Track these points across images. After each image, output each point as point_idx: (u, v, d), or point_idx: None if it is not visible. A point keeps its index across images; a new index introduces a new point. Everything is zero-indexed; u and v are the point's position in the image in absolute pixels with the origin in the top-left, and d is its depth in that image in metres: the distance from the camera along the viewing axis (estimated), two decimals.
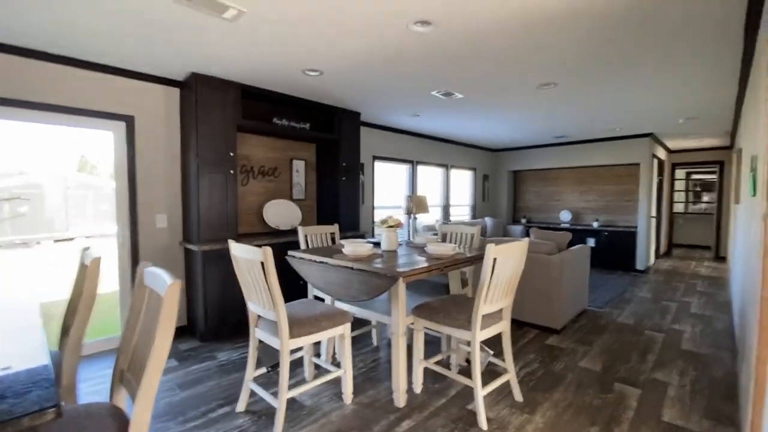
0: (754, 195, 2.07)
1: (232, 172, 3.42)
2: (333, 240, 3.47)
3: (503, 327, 2.29)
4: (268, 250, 1.85)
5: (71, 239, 4.17)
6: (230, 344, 3.21)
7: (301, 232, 3.17)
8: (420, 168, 6.34)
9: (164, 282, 1.14)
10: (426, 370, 2.66)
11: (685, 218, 9.41)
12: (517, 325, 3.68)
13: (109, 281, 3.20)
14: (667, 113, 4.68)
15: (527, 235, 7.49)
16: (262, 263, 1.88)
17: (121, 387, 1.34)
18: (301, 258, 2.58)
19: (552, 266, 3.45)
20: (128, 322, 1.38)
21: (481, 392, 2.07)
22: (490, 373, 2.66)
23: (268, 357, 2.88)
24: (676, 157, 8.39)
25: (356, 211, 4.55)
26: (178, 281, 1.11)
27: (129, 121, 3.15)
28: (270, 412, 2.19)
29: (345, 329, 2.21)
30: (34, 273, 4.31)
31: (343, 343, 2.23)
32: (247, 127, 3.63)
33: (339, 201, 4.32)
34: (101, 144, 3.15)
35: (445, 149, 6.82)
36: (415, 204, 5.20)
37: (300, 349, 2.75)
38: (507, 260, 2.09)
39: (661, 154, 7.26)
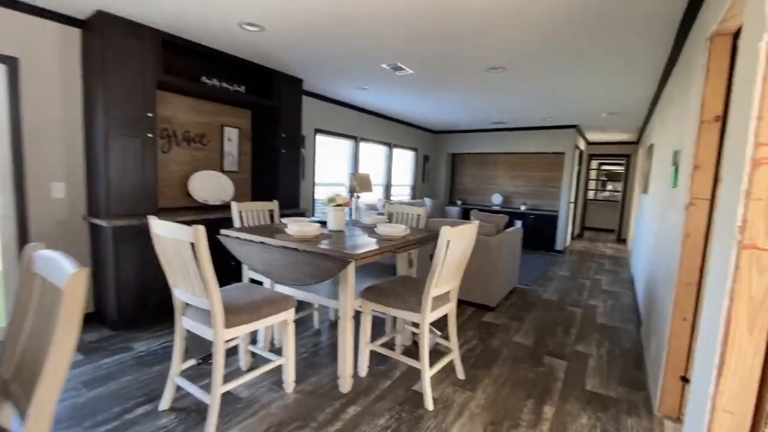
0: (675, 186, 2.28)
1: (150, 135, 2.94)
2: (272, 218, 3.20)
3: (450, 308, 2.29)
4: (201, 229, 1.59)
5: None
6: (149, 332, 2.84)
7: (235, 208, 2.86)
8: (363, 145, 6.16)
9: (64, 270, 0.88)
10: (371, 353, 2.60)
11: (595, 204, 10.54)
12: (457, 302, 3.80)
13: None
14: (594, 107, 5.05)
15: (465, 216, 7.79)
16: (193, 244, 1.62)
17: (5, 402, 1.05)
18: (237, 238, 2.31)
19: (491, 247, 3.57)
20: (12, 320, 1.07)
21: (428, 373, 2.06)
22: (435, 352, 2.70)
23: (198, 347, 2.60)
24: (592, 149, 9.26)
25: (296, 187, 4.27)
26: (84, 270, 0.86)
27: (11, 63, 2.51)
28: (200, 409, 1.97)
29: (289, 315, 2.04)
30: None
31: (286, 330, 2.06)
32: (170, 84, 3.14)
33: (278, 175, 4.00)
34: None
35: (389, 127, 6.71)
36: (359, 182, 5.05)
37: (235, 337, 2.51)
38: (459, 243, 2.07)
39: (582, 145, 7.93)
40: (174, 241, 1.70)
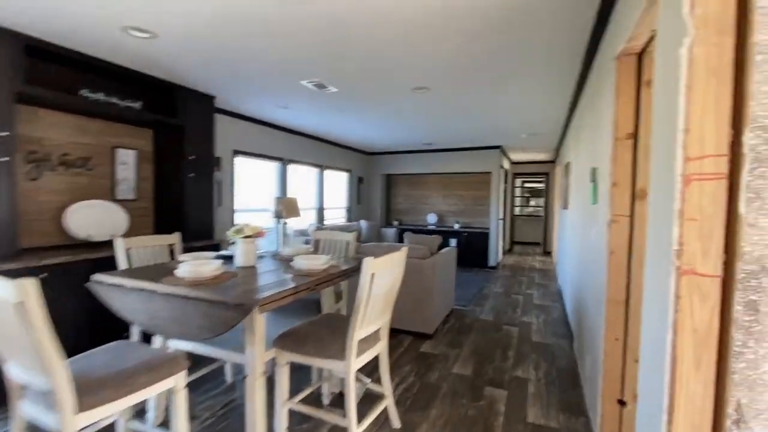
0: (595, 203, 2.30)
1: (4, 159, 2.34)
2: (172, 255, 2.72)
3: (381, 348, 2.03)
4: (31, 284, 1.16)
5: None
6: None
7: (120, 245, 2.35)
8: (292, 167, 5.80)
9: None
10: (290, 411, 2.22)
11: (521, 219, 11.16)
12: (391, 333, 3.55)
13: None
14: (514, 128, 5.28)
15: (401, 238, 7.68)
16: (20, 304, 1.17)
17: None
18: (112, 284, 1.84)
19: (425, 271, 3.41)
20: None
21: (356, 431, 1.76)
22: (366, 398, 2.39)
23: None
24: (515, 168, 9.84)
25: (209, 215, 3.78)
26: None
27: None
28: None
29: (177, 381, 1.61)
30: None
31: (176, 400, 1.63)
32: (38, 98, 2.58)
33: (184, 202, 3.50)
34: None
35: (320, 149, 6.44)
36: (285, 207, 4.67)
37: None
38: (385, 274, 1.83)
39: (506, 164, 8.36)
40: None
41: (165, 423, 2.07)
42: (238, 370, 2.74)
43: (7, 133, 2.35)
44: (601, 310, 2.03)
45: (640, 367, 1.28)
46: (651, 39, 1.60)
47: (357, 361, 1.78)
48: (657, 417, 1.02)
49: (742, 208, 0.81)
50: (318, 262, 2.08)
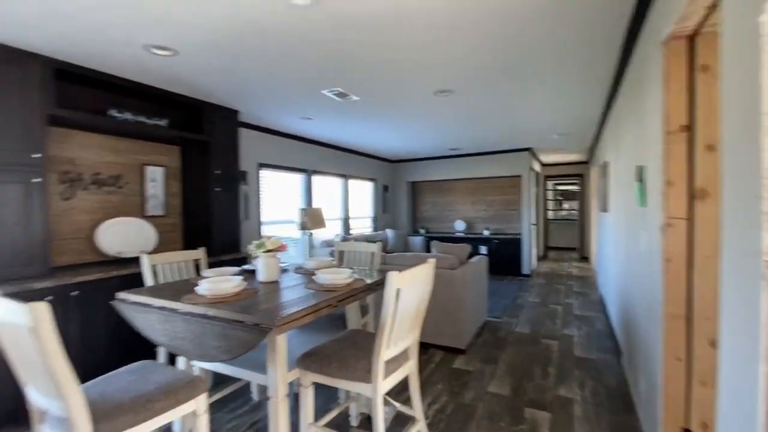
0: (643, 205, 2.07)
1: (38, 180, 2.42)
2: (197, 270, 2.71)
3: (410, 368, 1.89)
4: (42, 308, 1.12)
5: None
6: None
7: (146, 261, 2.35)
8: (317, 178, 5.80)
9: None
10: None
11: (555, 224, 10.68)
12: (421, 348, 3.39)
13: None
14: (545, 128, 5.03)
15: (428, 246, 7.51)
16: (33, 329, 1.14)
17: None
18: (134, 303, 1.81)
19: (455, 281, 3.24)
20: None
21: None
22: (397, 420, 2.25)
23: None
24: (546, 170, 9.45)
25: (236, 228, 3.79)
26: None
27: None
28: None
29: (197, 404, 1.55)
30: None
31: (197, 424, 1.56)
32: (69, 120, 2.66)
33: (211, 217, 3.52)
34: None
35: (344, 158, 6.42)
36: (311, 218, 4.64)
37: None
38: (413, 288, 1.70)
39: (537, 167, 8.03)
40: (8, 325, 1.21)
41: None
42: (265, 387, 2.67)
43: (40, 155, 2.43)
44: (656, 326, 1.81)
45: (719, 394, 1.08)
46: (706, 17, 1.41)
47: (384, 384, 1.65)
48: None
49: None
50: (341, 276, 1.98)
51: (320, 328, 2.39)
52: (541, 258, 9.00)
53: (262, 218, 4.75)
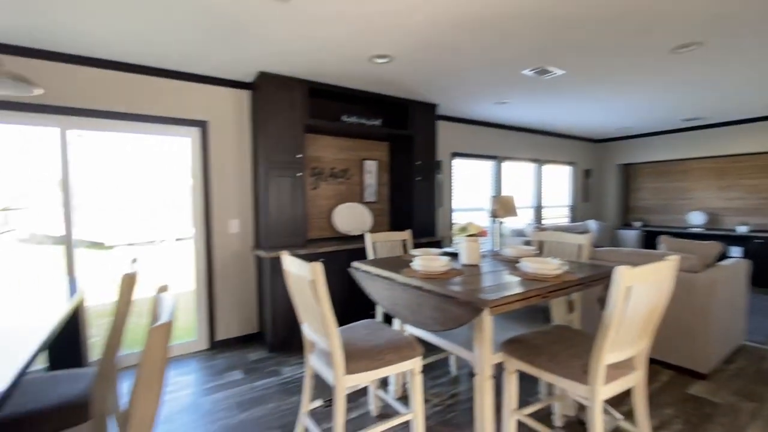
0: None
1: (299, 175, 3.24)
2: (404, 249, 3.07)
3: (635, 380, 1.63)
4: (318, 267, 1.51)
5: (151, 242, 4.22)
6: (296, 358, 3.01)
7: (368, 239, 2.83)
8: (507, 164, 5.61)
9: (160, 319, 0.85)
10: (519, 423, 2.09)
11: None
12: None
13: (188, 282, 3.24)
14: None
15: (647, 242, 6.21)
16: (312, 282, 1.55)
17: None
18: (365, 271, 2.21)
19: (697, 288, 2.57)
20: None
21: None
22: None
23: (325, 387, 2.58)
24: None
25: (432, 214, 4.09)
26: (167, 324, 0.80)
27: (203, 126, 3.15)
28: None
29: (414, 364, 1.78)
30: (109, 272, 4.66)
31: (413, 381, 1.80)
32: (316, 127, 3.43)
33: (413, 204, 3.91)
34: (179, 150, 3.20)
35: (538, 142, 5.96)
36: (501, 206, 4.54)
37: None
38: (646, 289, 1.45)
39: None
40: (297, 277, 1.68)
41: (402, 398, 2.34)
42: (462, 364, 2.82)
43: (301, 156, 3.23)
44: None
45: None
46: None
47: (605, 389, 1.48)
48: None
49: None
50: (549, 267, 1.87)
51: (518, 319, 2.34)
52: None
53: (453, 205, 4.94)
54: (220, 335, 3.29)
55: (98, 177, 2.98)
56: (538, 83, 3.44)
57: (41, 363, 2.11)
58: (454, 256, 2.50)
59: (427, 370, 2.77)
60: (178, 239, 3.42)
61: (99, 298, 3.01)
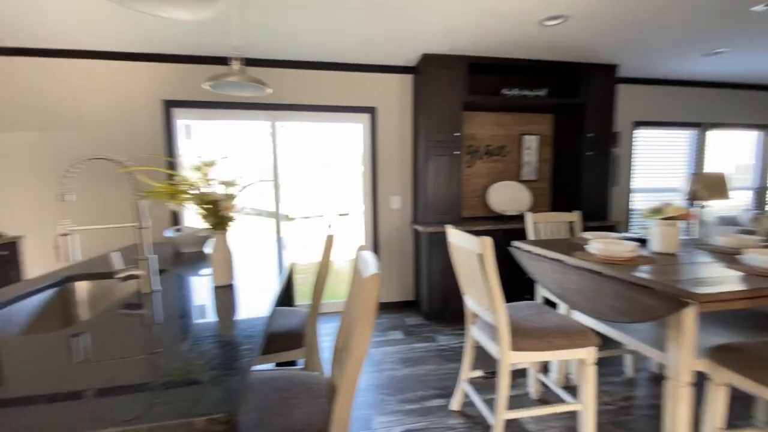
0: None
1: (456, 153, 3.28)
2: (571, 232, 2.80)
3: None
4: (488, 241, 1.54)
5: (346, 214, 4.98)
6: (450, 328, 3.15)
7: (529, 219, 2.69)
8: (713, 134, 4.41)
9: (367, 271, 1.03)
10: None
11: None
12: None
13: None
14: None
15: None
16: (480, 255, 1.59)
17: (336, 365, 1.37)
18: (529, 252, 2.13)
19: None
20: (346, 303, 1.39)
21: None
22: None
23: (486, 359, 2.62)
24: None
25: (604, 195, 3.58)
26: (378, 274, 0.97)
27: (372, 112, 3.49)
28: (487, 423, 1.93)
29: (588, 354, 1.65)
30: (299, 239, 5.60)
31: (584, 372, 1.68)
32: (474, 103, 3.38)
33: (581, 182, 3.49)
34: (352, 135, 3.64)
35: (762, 100, 4.47)
36: (705, 185, 3.64)
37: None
38: None
39: None
40: (464, 250, 1.75)
41: (566, 388, 2.21)
42: (641, 365, 2.47)
43: (459, 134, 3.26)
44: None
45: None
46: None
47: None
48: None
49: None
50: None
51: (732, 325, 1.88)
52: None
53: (633, 185, 4.20)
54: (382, 299, 3.69)
55: (288, 160, 3.65)
56: None
57: None
58: (641, 243, 2.16)
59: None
60: (346, 214, 3.94)
61: (295, 258, 3.76)
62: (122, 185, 3.15)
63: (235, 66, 1.77)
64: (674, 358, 1.46)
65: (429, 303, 3.28)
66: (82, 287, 1.54)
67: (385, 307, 3.69)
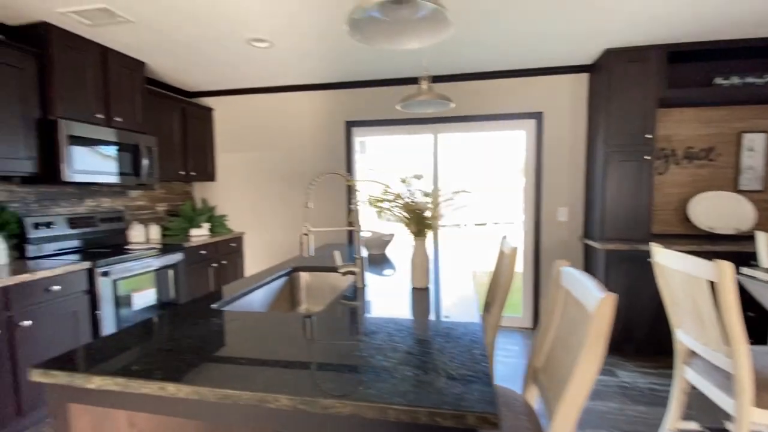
0: None
1: (647, 158, 2.81)
2: None
3: None
4: (727, 267, 1.26)
5: (484, 224, 5.02)
6: (633, 364, 2.69)
7: (762, 240, 2.09)
8: None
9: (592, 294, 0.96)
10: None
11: None
12: None
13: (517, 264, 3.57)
14: None
15: None
16: (714, 284, 1.31)
17: (533, 385, 1.32)
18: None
19: None
20: (542, 323, 1.33)
21: None
22: None
23: (704, 410, 2.13)
24: None
25: None
26: (612, 296, 0.89)
27: (538, 117, 3.30)
28: None
29: None
30: (462, 247, 5.64)
31: None
32: (673, 99, 2.85)
33: None
34: (512, 143, 3.51)
35: None
36: None
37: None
38: None
39: None
40: (683, 275, 1.47)
41: None
42: None
43: (650, 136, 2.79)
44: None
45: None
46: None
47: None
48: None
49: None
50: None
51: None
52: None
53: None
54: None
55: (448, 170, 3.73)
56: None
57: None
58: None
59: None
60: (507, 223, 3.81)
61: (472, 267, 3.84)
62: (320, 194, 3.77)
63: (424, 85, 1.91)
64: None
65: None
66: (304, 277, 1.89)
67: None
